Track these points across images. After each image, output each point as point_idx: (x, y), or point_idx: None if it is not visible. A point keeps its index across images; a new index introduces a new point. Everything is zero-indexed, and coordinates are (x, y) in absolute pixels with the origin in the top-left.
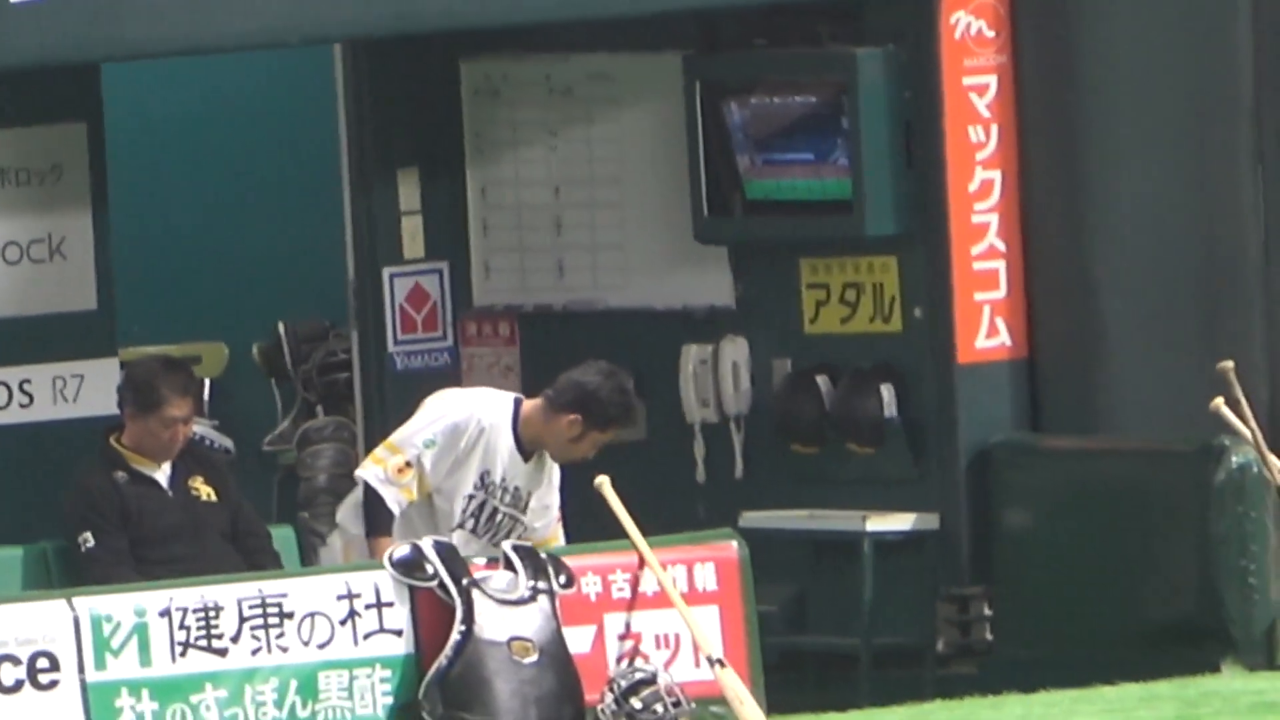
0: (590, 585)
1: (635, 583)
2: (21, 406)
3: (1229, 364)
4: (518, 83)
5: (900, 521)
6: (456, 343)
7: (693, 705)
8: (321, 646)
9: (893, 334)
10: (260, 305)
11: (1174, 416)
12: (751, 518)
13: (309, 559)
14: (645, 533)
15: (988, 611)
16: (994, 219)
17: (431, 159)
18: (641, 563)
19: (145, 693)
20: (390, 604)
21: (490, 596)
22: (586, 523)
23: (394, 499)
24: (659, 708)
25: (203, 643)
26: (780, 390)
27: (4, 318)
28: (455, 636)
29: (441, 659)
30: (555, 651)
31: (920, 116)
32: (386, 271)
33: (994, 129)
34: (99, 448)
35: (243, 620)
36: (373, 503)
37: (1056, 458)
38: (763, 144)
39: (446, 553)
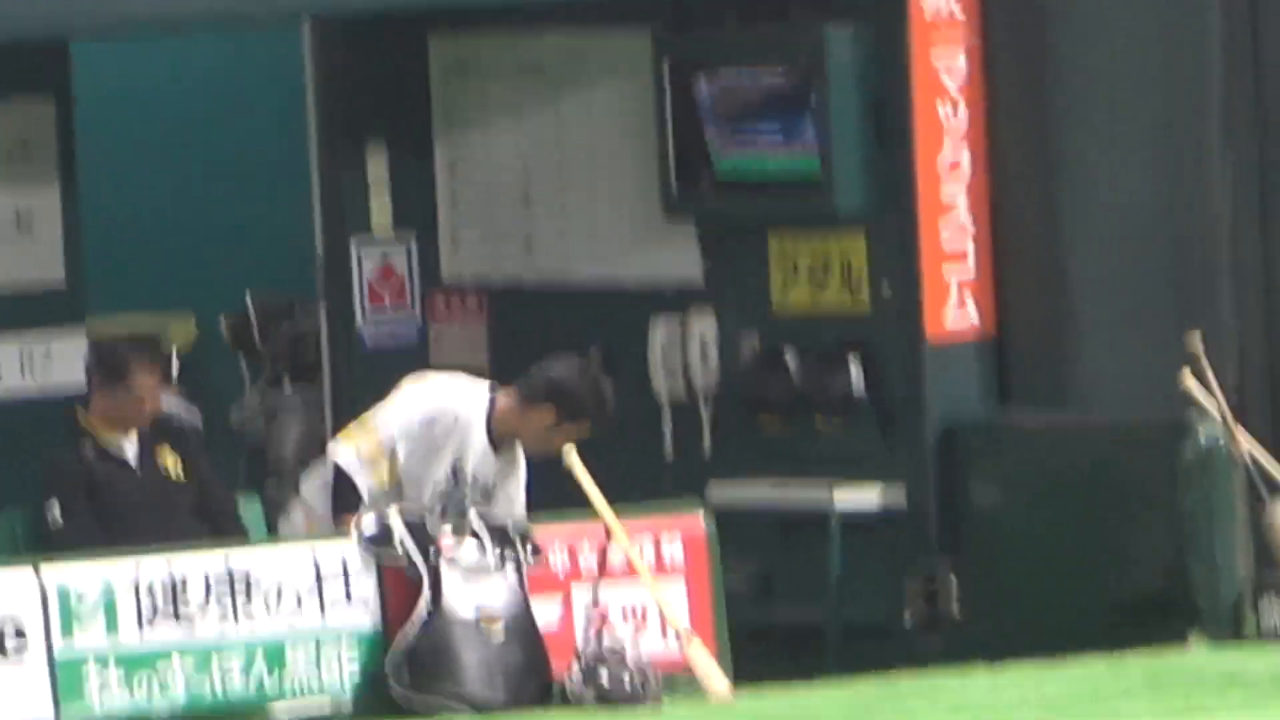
0: (558, 557)
1: (603, 555)
2: None
3: (1195, 333)
4: (487, 58)
5: (868, 497)
6: (424, 317)
7: (660, 678)
8: (289, 618)
9: (861, 311)
10: (228, 279)
11: (1143, 395)
12: (719, 491)
13: (275, 531)
14: (612, 506)
15: (955, 586)
16: (963, 197)
17: (400, 134)
18: (609, 535)
19: (112, 662)
20: (357, 575)
21: (457, 569)
22: (553, 495)
23: (364, 484)
24: (626, 680)
25: (170, 614)
26: (749, 366)
27: None
28: (422, 609)
29: (408, 631)
30: (522, 624)
31: (889, 94)
32: (355, 246)
33: (963, 107)
34: (66, 423)
35: (209, 591)
36: (342, 485)
37: (1024, 435)
38: (732, 121)
39: (414, 526)
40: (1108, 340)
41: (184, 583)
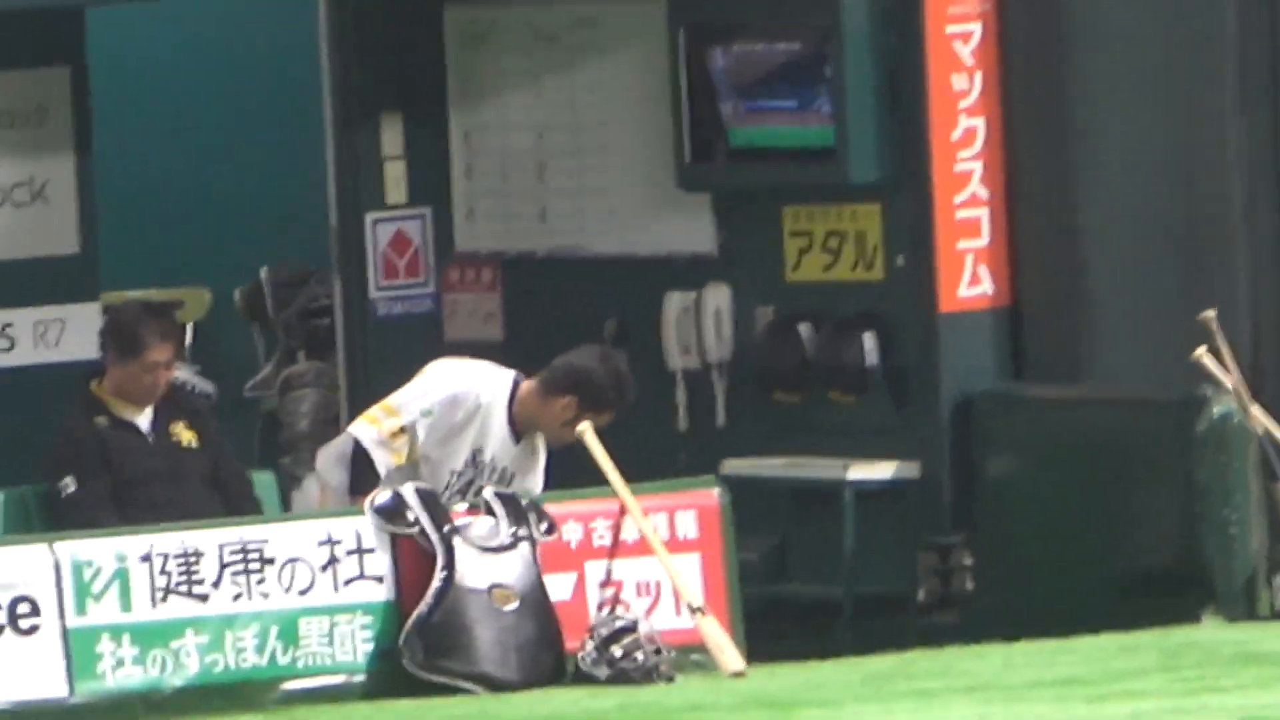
0: (571, 532)
1: (616, 530)
2: (3, 350)
3: (1211, 313)
4: (502, 28)
5: (882, 470)
6: (439, 289)
7: (673, 653)
8: (302, 593)
9: (875, 282)
10: (243, 250)
11: (1157, 366)
12: (733, 466)
13: (289, 505)
14: (626, 480)
15: (969, 561)
16: (977, 167)
17: (415, 104)
18: (623, 510)
19: (126, 638)
20: (371, 550)
21: (471, 544)
22: (568, 471)
23: (383, 462)
24: (639, 655)
25: (183, 588)
26: (762, 338)
27: None
28: (436, 584)
29: (422, 606)
30: (536, 599)
31: (904, 64)
32: (369, 217)
33: (978, 76)
34: (80, 393)
35: (223, 566)
36: (361, 462)
37: (1039, 407)
38: (746, 91)
39: (428, 499)
40: (1122, 311)
41: (198, 557)
